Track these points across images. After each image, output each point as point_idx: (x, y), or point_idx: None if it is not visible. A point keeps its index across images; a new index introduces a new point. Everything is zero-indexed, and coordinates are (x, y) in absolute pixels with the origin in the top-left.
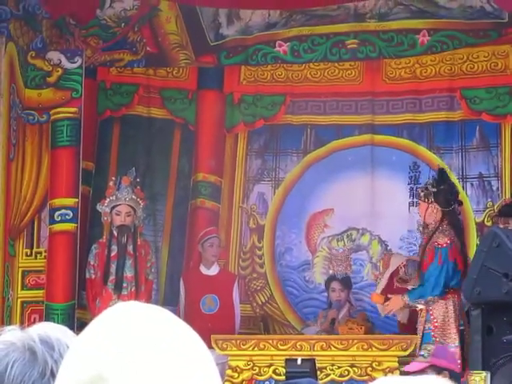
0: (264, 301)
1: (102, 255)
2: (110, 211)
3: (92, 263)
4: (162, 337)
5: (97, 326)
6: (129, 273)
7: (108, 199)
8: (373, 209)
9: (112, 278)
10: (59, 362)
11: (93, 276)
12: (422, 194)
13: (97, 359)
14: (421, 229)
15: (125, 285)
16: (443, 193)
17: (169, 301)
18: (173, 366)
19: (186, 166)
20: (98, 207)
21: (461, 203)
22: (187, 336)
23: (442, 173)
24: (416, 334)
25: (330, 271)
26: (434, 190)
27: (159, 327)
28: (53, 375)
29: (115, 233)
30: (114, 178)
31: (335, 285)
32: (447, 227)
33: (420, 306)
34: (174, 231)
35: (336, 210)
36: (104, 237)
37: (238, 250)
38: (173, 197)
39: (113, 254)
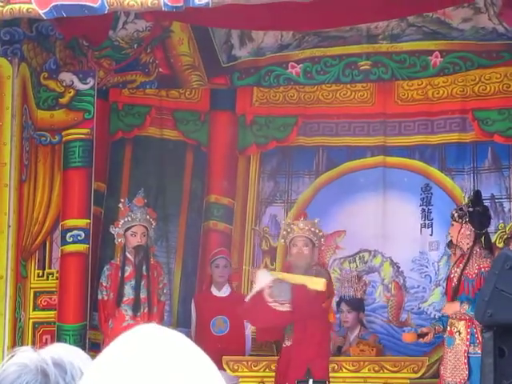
0: None
1: (114, 276)
2: (124, 232)
3: (104, 284)
4: (177, 363)
5: (112, 351)
6: (142, 294)
7: (122, 221)
8: (385, 230)
9: (125, 299)
10: None
11: (105, 297)
12: (455, 214)
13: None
14: (448, 249)
15: None
16: (478, 214)
17: (182, 323)
18: None
19: (199, 188)
20: (112, 230)
21: (488, 224)
22: (200, 361)
23: (478, 194)
24: None
25: (339, 291)
26: (470, 210)
27: (175, 353)
28: None
29: (129, 254)
30: (122, 200)
31: (343, 306)
32: (483, 252)
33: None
34: (187, 253)
35: (348, 231)
36: (117, 258)
37: (251, 272)
38: (185, 218)
39: (126, 274)
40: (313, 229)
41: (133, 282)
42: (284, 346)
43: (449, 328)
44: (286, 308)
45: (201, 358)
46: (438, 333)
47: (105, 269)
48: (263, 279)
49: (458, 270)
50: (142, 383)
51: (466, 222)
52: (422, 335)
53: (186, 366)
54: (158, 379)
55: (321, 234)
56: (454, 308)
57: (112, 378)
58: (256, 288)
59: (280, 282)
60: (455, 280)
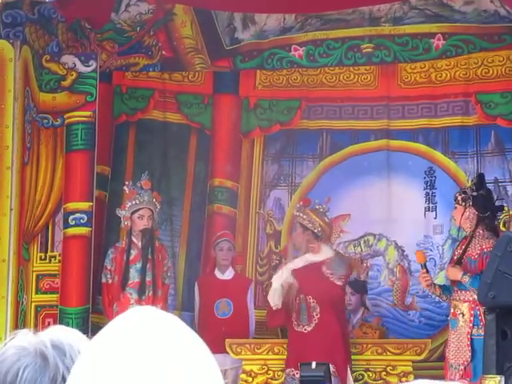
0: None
1: (119, 259)
2: (131, 215)
3: (108, 267)
4: (171, 345)
5: (107, 336)
6: (147, 277)
7: (129, 203)
8: (389, 214)
9: (130, 282)
10: (71, 368)
11: (109, 280)
12: (459, 197)
13: (105, 371)
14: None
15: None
16: (481, 198)
17: (186, 306)
18: (180, 376)
19: (203, 171)
20: (118, 212)
21: (501, 208)
22: (194, 345)
23: (481, 178)
24: None
25: None
26: (474, 194)
27: (169, 339)
28: (64, 381)
29: (134, 237)
30: (127, 183)
31: (346, 289)
32: (486, 233)
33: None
34: (191, 236)
35: (353, 215)
36: (123, 241)
37: (255, 255)
38: (189, 202)
39: (131, 258)
40: (313, 217)
41: (138, 266)
42: (301, 331)
43: (452, 310)
44: (340, 283)
45: (194, 341)
46: (435, 294)
47: (109, 252)
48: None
49: (461, 252)
50: (136, 366)
51: (469, 205)
52: (426, 267)
53: (180, 349)
54: (152, 362)
55: (323, 222)
56: (455, 274)
57: (105, 363)
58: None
59: (341, 256)
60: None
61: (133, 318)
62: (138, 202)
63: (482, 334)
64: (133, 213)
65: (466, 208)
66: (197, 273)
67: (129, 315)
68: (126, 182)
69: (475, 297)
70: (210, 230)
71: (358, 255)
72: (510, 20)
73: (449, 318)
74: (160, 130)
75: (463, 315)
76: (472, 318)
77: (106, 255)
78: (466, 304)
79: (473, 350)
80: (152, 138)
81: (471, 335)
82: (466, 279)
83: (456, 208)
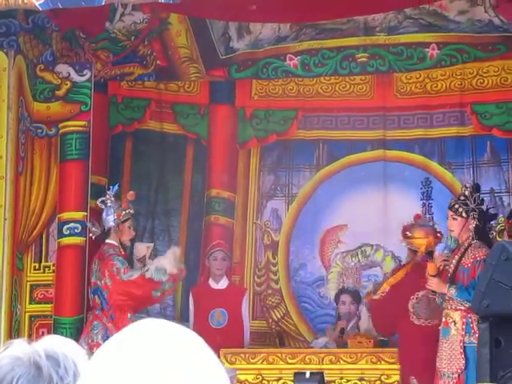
0: (280, 317)
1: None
2: (122, 224)
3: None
4: (179, 355)
5: (114, 346)
6: None
7: (124, 212)
8: (386, 224)
9: None
10: (64, 378)
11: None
12: (460, 209)
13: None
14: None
15: None
16: (482, 209)
17: (185, 317)
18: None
19: (200, 182)
20: (111, 218)
21: (494, 217)
22: (204, 354)
23: (478, 189)
24: None
25: (341, 284)
26: (481, 207)
27: (178, 347)
28: None
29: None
30: (108, 192)
31: (345, 298)
32: (478, 242)
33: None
34: (189, 247)
35: (350, 225)
36: (120, 250)
37: (253, 266)
38: (187, 213)
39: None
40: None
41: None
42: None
43: (444, 319)
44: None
45: (205, 351)
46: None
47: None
48: None
49: (454, 262)
50: (146, 377)
51: (473, 217)
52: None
53: (189, 359)
54: (162, 373)
55: None
56: (440, 286)
57: (114, 372)
58: None
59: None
60: (451, 271)
61: (145, 329)
62: (132, 211)
63: (474, 341)
64: (123, 222)
65: (468, 220)
66: (195, 283)
67: (140, 326)
68: (108, 192)
69: (466, 305)
70: (207, 240)
71: (355, 264)
72: (504, 30)
73: (440, 327)
74: (157, 141)
75: (455, 323)
76: (464, 326)
77: (120, 261)
78: (458, 312)
79: (465, 358)
80: (149, 149)
81: (463, 343)
82: (452, 291)
83: (456, 219)
